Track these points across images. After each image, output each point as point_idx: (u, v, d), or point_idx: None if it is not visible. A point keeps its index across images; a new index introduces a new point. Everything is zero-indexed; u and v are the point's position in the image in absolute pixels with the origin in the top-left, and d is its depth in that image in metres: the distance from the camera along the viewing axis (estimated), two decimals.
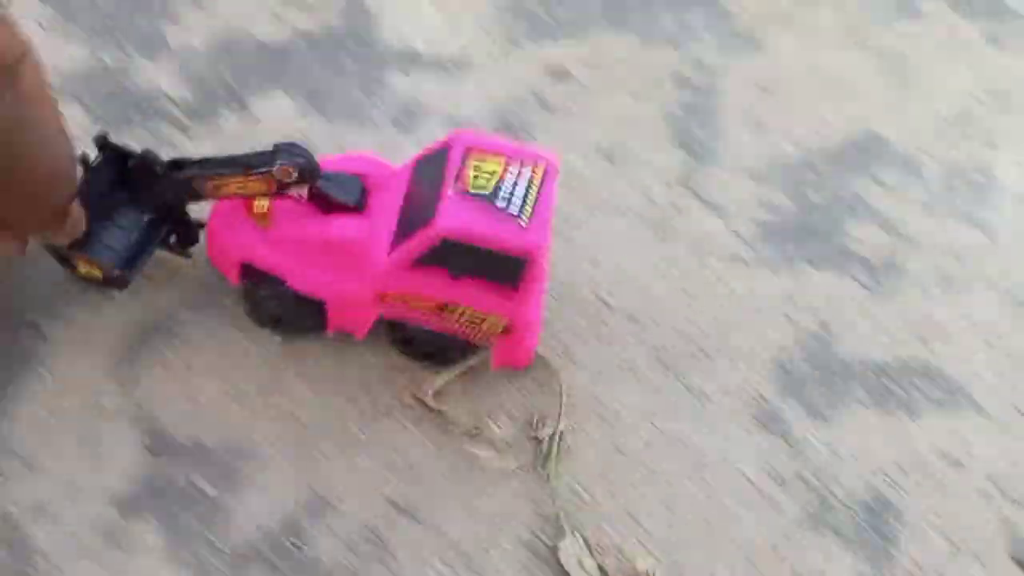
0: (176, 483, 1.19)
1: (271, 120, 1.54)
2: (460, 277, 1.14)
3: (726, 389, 1.39)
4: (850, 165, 1.70)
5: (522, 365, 1.31)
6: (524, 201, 1.10)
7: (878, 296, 1.54)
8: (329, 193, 1.17)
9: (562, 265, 1.45)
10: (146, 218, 1.23)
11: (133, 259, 1.23)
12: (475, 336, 1.23)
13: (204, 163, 1.17)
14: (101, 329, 1.28)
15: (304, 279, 1.20)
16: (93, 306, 1.30)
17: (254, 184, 1.14)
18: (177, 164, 1.18)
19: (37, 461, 1.18)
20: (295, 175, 1.12)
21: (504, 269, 1.12)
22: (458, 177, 1.11)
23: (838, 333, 1.49)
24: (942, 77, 1.86)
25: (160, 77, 1.55)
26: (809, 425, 1.38)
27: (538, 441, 1.26)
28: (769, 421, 1.38)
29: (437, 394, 1.27)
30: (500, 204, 1.09)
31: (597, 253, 1.50)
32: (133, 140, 1.44)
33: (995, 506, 1.34)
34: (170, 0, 1.63)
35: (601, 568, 1.18)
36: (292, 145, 1.14)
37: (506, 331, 1.21)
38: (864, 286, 1.55)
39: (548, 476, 1.23)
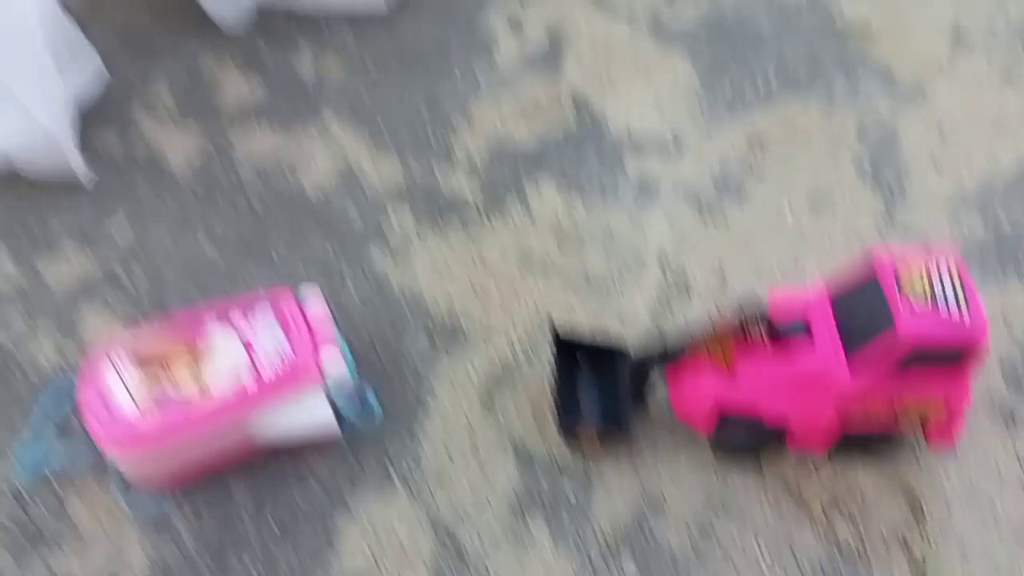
0: (546, 489, 1.52)
1: (546, 204, 1.91)
2: (911, 377, 1.31)
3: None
4: None
5: (953, 443, 1.46)
6: (957, 298, 1.29)
7: None
8: (785, 330, 1.39)
9: None
10: (620, 383, 1.52)
11: (627, 416, 1.51)
12: (915, 425, 1.39)
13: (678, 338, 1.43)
14: (462, 383, 1.65)
15: (775, 412, 1.39)
16: (455, 367, 1.67)
17: (723, 336, 1.39)
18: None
19: (445, 478, 1.54)
20: (759, 321, 1.39)
21: (951, 360, 1.30)
22: (899, 290, 1.30)
23: None
24: None
25: (457, 181, 1.95)
26: None
27: (909, 550, 1.43)
28: (1008, 416, 1.59)
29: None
30: (941, 306, 1.28)
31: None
32: (450, 230, 1.85)
33: None
34: (450, 121, 2.04)
35: None
36: (746, 299, 1.42)
37: (945, 413, 1.39)
38: None
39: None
